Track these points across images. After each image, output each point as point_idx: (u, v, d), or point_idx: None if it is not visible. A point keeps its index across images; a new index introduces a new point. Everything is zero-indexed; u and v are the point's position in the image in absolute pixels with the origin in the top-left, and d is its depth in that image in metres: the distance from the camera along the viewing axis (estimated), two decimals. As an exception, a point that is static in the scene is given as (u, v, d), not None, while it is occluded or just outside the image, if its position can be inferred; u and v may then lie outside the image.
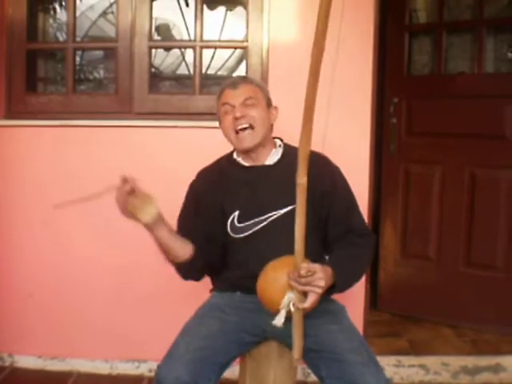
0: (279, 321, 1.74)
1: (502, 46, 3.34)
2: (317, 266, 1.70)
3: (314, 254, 1.80)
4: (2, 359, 3.00)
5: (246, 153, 2.06)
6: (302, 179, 1.68)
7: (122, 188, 1.74)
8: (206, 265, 2.04)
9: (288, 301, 1.72)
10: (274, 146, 2.11)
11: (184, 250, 1.94)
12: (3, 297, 2.97)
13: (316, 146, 2.00)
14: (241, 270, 2.01)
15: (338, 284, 1.81)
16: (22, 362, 2.99)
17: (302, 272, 1.67)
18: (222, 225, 2.03)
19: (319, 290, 1.70)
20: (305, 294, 1.72)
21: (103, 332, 2.92)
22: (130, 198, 1.74)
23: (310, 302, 1.71)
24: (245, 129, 1.99)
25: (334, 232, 2.02)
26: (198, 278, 2.09)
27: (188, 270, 2.01)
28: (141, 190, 1.76)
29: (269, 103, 2.09)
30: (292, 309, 1.72)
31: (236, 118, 1.98)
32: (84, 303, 2.93)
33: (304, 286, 1.69)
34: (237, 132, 2.00)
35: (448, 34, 3.33)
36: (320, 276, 1.69)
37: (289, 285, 1.72)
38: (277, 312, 1.75)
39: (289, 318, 1.74)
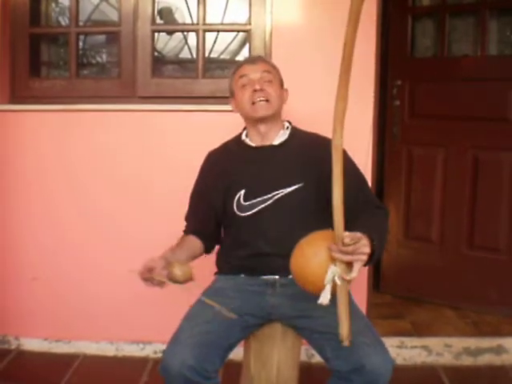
0: (325, 298, 1.59)
1: (505, 28, 3.32)
2: (359, 234, 1.62)
3: None
4: (8, 342, 3.03)
5: (258, 123, 2.06)
6: (337, 140, 1.60)
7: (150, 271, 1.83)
8: (214, 245, 2.14)
9: (332, 275, 1.58)
10: (283, 127, 2.13)
11: (199, 250, 2.08)
12: (8, 280, 2.99)
13: (322, 129, 2.01)
14: (245, 249, 2.01)
15: (376, 251, 1.69)
16: (27, 344, 3.02)
17: (347, 240, 1.57)
18: (229, 204, 2.05)
19: (365, 257, 1.61)
20: (348, 265, 1.59)
21: (108, 314, 2.95)
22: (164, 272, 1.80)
23: (356, 270, 1.59)
24: (261, 101, 2.02)
25: (350, 208, 1.98)
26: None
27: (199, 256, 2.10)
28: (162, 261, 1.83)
29: (281, 83, 2.13)
30: (338, 282, 1.58)
31: (255, 90, 2.01)
32: (89, 286, 2.95)
33: (350, 255, 1.59)
34: (253, 103, 2.02)
35: (451, 16, 3.32)
36: (365, 243, 1.61)
37: (329, 258, 1.59)
38: (318, 291, 1.61)
39: (333, 294, 1.60)
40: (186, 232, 2.15)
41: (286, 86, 2.16)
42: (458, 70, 3.26)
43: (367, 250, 1.61)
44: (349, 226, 1.69)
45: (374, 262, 1.78)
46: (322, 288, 1.59)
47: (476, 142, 3.22)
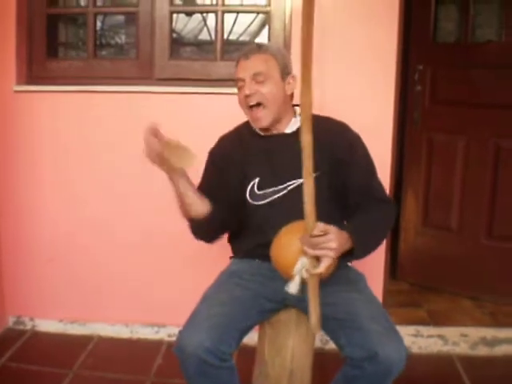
0: (293, 288, 1.68)
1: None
2: (331, 227, 1.65)
3: (334, 222, 1.76)
4: (23, 323, 3.05)
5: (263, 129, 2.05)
6: (305, 136, 1.63)
7: (153, 136, 1.71)
8: (221, 228, 2.04)
9: (301, 266, 1.65)
10: (294, 114, 2.08)
11: (203, 205, 1.92)
12: (24, 261, 3.00)
13: (339, 113, 1.98)
14: (258, 238, 2.00)
15: (357, 250, 1.75)
16: (42, 325, 3.04)
17: (314, 232, 1.61)
18: (242, 191, 2.03)
19: (331, 254, 1.64)
20: (318, 259, 1.65)
21: (124, 296, 2.96)
22: (164, 145, 1.70)
23: (323, 266, 1.65)
24: (256, 105, 1.96)
25: (354, 200, 1.98)
26: (209, 240, 2.07)
27: (202, 228, 1.99)
28: (172, 139, 1.73)
29: (285, 72, 2.01)
30: (305, 275, 1.65)
31: (246, 96, 1.96)
32: (104, 268, 2.96)
33: (315, 248, 1.63)
34: (249, 108, 1.98)
35: (475, 1, 3.24)
36: (331, 237, 1.64)
37: (302, 250, 1.65)
38: (291, 278, 1.69)
39: (304, 284, 1.68)
40: None
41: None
42: (482, 56, 3.19)
43: (333, 245, 1.64)
44: (346, 218, 1.69)
45: (358, 258, 1.82)
46: (293, 277, 1.68)
47: (498, 129, 3.16)
